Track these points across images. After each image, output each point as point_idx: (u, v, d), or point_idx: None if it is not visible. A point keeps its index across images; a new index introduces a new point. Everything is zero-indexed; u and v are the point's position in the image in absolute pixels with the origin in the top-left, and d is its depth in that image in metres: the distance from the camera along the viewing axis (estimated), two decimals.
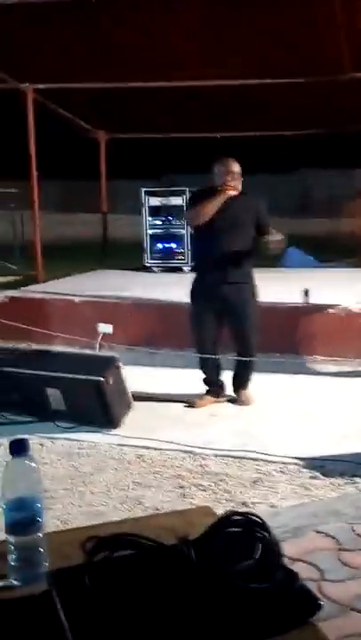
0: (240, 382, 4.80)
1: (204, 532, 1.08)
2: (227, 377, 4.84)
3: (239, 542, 1.04)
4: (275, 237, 4.61)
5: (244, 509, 2.61)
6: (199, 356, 4.77)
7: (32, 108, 7.99)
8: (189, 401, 4.74)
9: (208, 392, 4.80)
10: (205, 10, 5.98)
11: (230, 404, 4.77)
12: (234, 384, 4.82)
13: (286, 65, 7.07)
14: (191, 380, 5.00)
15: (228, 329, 4.72)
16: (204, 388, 4.81)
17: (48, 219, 11.93)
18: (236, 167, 4.56)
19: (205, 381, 4.82)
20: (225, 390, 4.85)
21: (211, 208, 4.47)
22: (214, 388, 4.81)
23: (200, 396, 4.77)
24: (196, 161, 18.40)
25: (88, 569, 1.00)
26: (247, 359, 4.69)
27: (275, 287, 5.16)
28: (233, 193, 4.51)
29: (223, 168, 4.56)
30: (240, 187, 4.59)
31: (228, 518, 1.09)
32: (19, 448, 1.12)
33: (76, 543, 1.07)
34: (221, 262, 4.51)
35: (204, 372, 4.80)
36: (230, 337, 4.74)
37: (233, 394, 4.83)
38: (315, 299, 6.02)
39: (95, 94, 8.16)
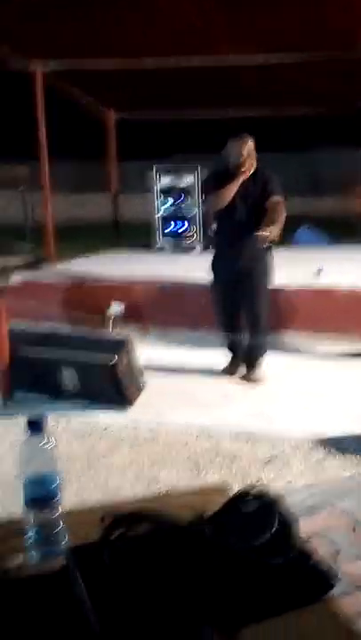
0: (252, 360, 4.86)
1: (220, 509, 1.09)
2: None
3: (255, 518, 1.05)
4: (264, 232, 4.49)
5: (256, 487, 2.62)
6: (222, 327, 4.93)
7: (41, 88, 7.93)
8: (223, 371, 4.91)
9: (234, 358, 4.93)
10: None
11: (243, 381, 4.82)
12: (246, 362, 4.88)
13: (298, 42, 6.96)
14: (205, 359, 5.04)
15: (241, 305, 4.80)
16: (229, 356, 4.96)
17: (59, 200, 11.91)
18: (249, 144, 4.56)
19: (229, 348, 4.94)
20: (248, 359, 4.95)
21: (229, 193, 4.56)
22: (237, 355, 4.92)
23: (226, 365, 4.93)
24: (206, 140, 18.30)
25: (106, 545, 1.01)
26: (258, 337, 4.78)
27: (286, 266, 5.14)
28: (248, 174, 4.53)
29: (236, 147, 4.54)
30: (255, 163, 4.58)
31: (244, 495, 1.10)
32: (36, 426, 1.13)
33: (94, 520, 1.09)
34: (238, 239, 4.62)
35: (227, 341, 4.91)
36: (242, 312, 4.81)
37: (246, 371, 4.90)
38: (327, 278, 5.99)
39: (105, 74, 8.08)
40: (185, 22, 6.52)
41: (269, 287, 4.80)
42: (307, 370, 5.06)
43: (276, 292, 5.42)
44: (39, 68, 7.84)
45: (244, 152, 4.52)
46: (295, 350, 5.49)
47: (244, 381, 4.81)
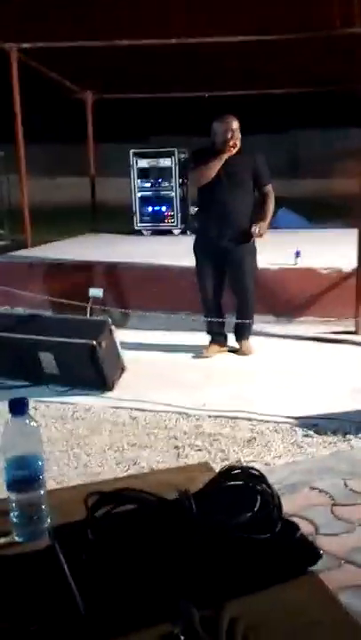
0: (241, 333, 5.00)
1: (204, 486, 1.09)
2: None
3: (239, 495, 1.05)
4: (256, 229, 4.68)
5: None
6: (203, 309, 4.99)
7: (16, 68, 7.80)
8: (200, 353, 4.96)
9: (212, 341, 5.02)
10: None
11: (233, 354, 5.01)
12: (236, 335, 5.02)
13: (276, 22, 6.91)
14: (186, 341, 5.06)
15: (228, 282, 4.91)
16: (208, 338, 5.04)
17: (35, 183, 11.75)
18: (235, 124, 4.58)
19: (209, 330, 5.02)
20: (227, 340, 5.06)
21: (213, 169, 4.58)
22: (218, 337, 5.01)
23: (206, 347, 5.00)
24: (184, 121, 18.19)
25: (90, 524, 1.01)
26: (246, 312, 4.91)
27: (266, 248, 5.15)
28: (234, 151, 4.54)
29: (223, 125, 4.57)
30: (239, 143, 4.59)
31: (227, 472, 1.10)
32: (18, 408, 1.12)
33: (77, 500, 1.08)
34: (222, 219, 4.65)
35: (208, 322, 4.98)
36: (230, 290, 4.94)
37: (235, 344, 5.05)
38: (306, 260, 6.01)
39: (81, 54, 7.97)
40: (161, 2, 6.45)
41: (255, 264, 4.91)
42: (286, 351, 5.10)
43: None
44: (14, 48, 7.70)
45: (230, 130, 4.53)
46: (275, 333, 5.52)
47: (234, 354, 4.98)
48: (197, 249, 4.89)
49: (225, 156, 4.54)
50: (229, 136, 4.52)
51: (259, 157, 4.77)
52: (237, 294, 4.93)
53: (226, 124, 4.56)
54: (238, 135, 4.59)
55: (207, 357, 4.91)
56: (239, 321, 4.95)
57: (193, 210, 5.16)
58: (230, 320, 5.06)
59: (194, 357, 4.93)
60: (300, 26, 6.97)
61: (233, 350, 5.04)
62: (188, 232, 8.71)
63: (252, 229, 4.65)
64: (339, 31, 7.13)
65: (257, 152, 4.83)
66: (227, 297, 5.02)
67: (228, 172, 4.58)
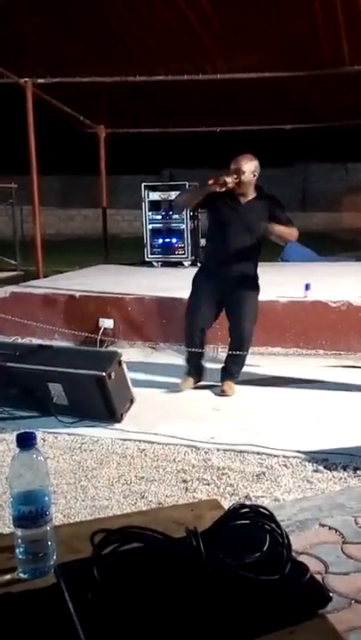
0: (228, 373, 4.82)
1: (212, 525, 1.08)
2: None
3: (248, 534, 1.04)
4: (281, 230, 4.56)
5: (248, 503, 2.61)
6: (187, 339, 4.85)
7: (31, 102, 7.97)
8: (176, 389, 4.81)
9: (188, 373, 4.87)
10: (204, 3, 5.95)
11: (211, 393, 4.80)
12: (222, 373, 4.84)
13: (286, 58, 7.05)
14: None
15: (227, 319, 4.80)
16: (184, 371, 4.90)
17: (48, 214, 11.91)
18: (246, 165, 4.49)
19: (188, 361, 4.89)
20: (205, 375, 4.89)
21: (194, 199, 4.71)
22: (195, 369, 4.85)
23: (182, 379, 4.85)
24: (195, 155, 18.41)
25: (97, 562, 0.99)
26: (239, 353, 4.74)
27: (275, 281, 5.17)
28: (217, 189, 4.42)
29: (232, 164, 4.51)
30: (247, 184, 4.54)
31: (236, 511, 1.09)
32: (26, 441, 1.12)
33: (84, 536, 1.07)
34: (227, 258, 4.60)
35: (188, 352, 4.84)
36: (228, 327, 4.81)
37: (219, 382, 4.84)
38: (316, 292, 6.02)
39: (95, 89, 8.14)
40: (173, 40, 6.58)
41: (257, 306, 4.79)
42: (296, 384, 5.06)
43: (267, 306, 5.45)
44: (30, 83, 7.88)
45: (239, 170, 4.46)
46: (284, 364, 5.50)
47: (213, 393, 4.78)
48: (197, 279, 4.83)
49: (205, 191, 4.50)
50: (239, 171, 4.45)
51: (273, 203, 4.67)
52: (233, 334, 4.77)
53: (236, 161, 4.50)
54: (248, 177, 4.51)
55: (180, 391, 4.76)
56: (235, 350, 4.78)
57: (203, 242, 5.18)
58: (221, 357, 4.94)
59: (166, 392, 4.79)
60: (310, 63, 7.10)
61: (210, 386, 4.84)
62: (199, 264, 8.76)
63: (266, 225, 4.48)
64: (349, 68, 7.28)
65: (273, 198, 4.72)
66: (222, 329, 4.94)
67: (239, 214, 4.55)
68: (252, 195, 4.62)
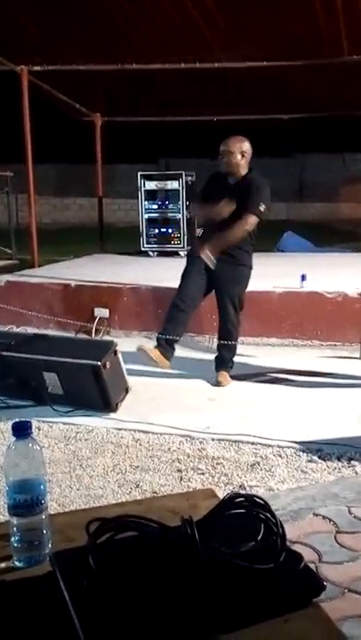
0: (220, 363, 4.81)
1: (207, 514, 1.08)
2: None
3: (242, 524, 1.04)
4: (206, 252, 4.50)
5: (242, 492, 2.62)
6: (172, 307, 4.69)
7: (27, 90, 7.91)
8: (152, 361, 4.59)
9: (157, 346, 4.64)
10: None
11: (207, 383, 4.77)
12: (215, 363, 4.82)
13: (285, 48, 7.01)
14: (190, 363, 5.03)
15: (216, 305, 4.74)
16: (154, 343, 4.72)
17: (44, 203, 11.85)
18: (233, 146, 4.52)
19: (161, 335, 4.66)
20: (172, 353, 4.67)
21: (199, 214, 4.97)
22: (165, 344, 4.62)
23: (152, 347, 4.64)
24: (192, 144, 18.33)
25: (92, 550, 1.00)
26: (226, 341, 4.72)
27: (272, 271, 5.16)
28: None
29: (221, 146, 4.53)
30: (242, 166, 4.56)
31: (231, 500, 1.09)
32: (22, 430, 1.12)
33: (79, 525, 1.07)
34: (213, 239, 4.55)
35: (165, 324, 4.66)
36: (217, 314, 4.76)
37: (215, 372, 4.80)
38: (312, 283, 6.02)
39: (91, 77, 8.09)
40: (170, 27, 6.54)
41: (244, 292, 4.74)
42: (291, 375, 5.07)
43: (260, 296, 5.45)
44: (26, 70, 7.82)
45: (228, 152, 4.51)
46: (280, 355, 5.50)
47: (209, 384, 4.75)
48: (190, 256, 4.78)
49: (214, 216, 4.50)
50: (226, 160, 4.50)
51: (255, 186, 4.58)
52: (220, 322, 4.74)
53: (224, 144, 4.52)
54: (237, 158, 4.51)
55: (157, 363, 4.53)
56: (224, 341, 4.76)
57: (199, 232, 5.16)
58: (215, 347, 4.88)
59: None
60: (309, 52, 7.07)
61: (211, 381, 4.76)
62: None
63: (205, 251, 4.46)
64: (347, 58, 7.25)
65: (261, 182, 4.64)
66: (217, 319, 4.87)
67: (226, 194, 4.50)
68: (241, 175, 4.61)
